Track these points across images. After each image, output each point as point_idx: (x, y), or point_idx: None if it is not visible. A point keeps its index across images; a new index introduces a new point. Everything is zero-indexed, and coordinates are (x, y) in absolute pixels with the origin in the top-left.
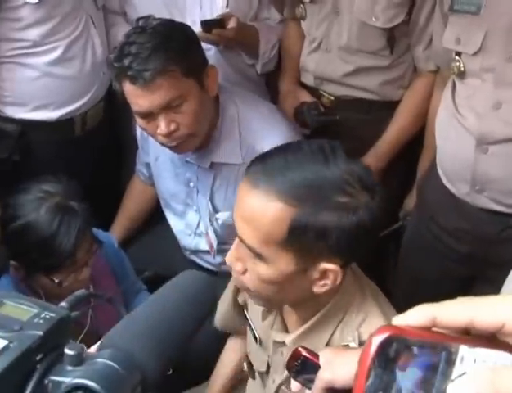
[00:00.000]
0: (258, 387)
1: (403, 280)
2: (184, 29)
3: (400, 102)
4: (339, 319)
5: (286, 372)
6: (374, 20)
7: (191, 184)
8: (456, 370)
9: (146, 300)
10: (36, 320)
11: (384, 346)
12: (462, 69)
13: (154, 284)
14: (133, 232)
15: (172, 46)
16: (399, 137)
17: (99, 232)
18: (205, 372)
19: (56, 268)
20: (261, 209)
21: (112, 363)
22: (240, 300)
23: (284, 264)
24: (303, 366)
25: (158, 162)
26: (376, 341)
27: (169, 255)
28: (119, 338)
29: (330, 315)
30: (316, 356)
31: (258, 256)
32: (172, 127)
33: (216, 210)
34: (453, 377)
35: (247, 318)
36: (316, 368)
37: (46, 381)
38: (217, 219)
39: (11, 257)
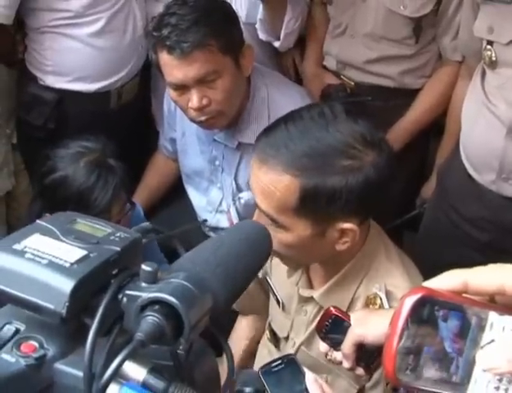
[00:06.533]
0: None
1: (418, 266)
2: (225, 5)
3: (420, 90)
4: (365, 273)
5: (308, 333)
6: (402, 8)
7: (217, 163)
8: (486, 336)
9: (209, 239)
10: (112, 237)
11: (416, 307)
12: (494, 58)
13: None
14: (152, 205)
15: (213, 21)
16: (417, 122)
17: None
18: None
19: None
20: (270, 183)
21: (187, 284)
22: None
23: (301, 229)
24: (334, 325)
25: (184, 138)
26: (409, 301)
27: (187, 231)
28: (190, 264)
29: (356, 269)
30: (348, 316)
31: (277, 223)
32: (204, 102)
33: (239, 190)
34: (482, 343)
35: (269, 286)
36: (346, 327)
37: (120, 296)
38: (239, 199)
39: (46, 210)
